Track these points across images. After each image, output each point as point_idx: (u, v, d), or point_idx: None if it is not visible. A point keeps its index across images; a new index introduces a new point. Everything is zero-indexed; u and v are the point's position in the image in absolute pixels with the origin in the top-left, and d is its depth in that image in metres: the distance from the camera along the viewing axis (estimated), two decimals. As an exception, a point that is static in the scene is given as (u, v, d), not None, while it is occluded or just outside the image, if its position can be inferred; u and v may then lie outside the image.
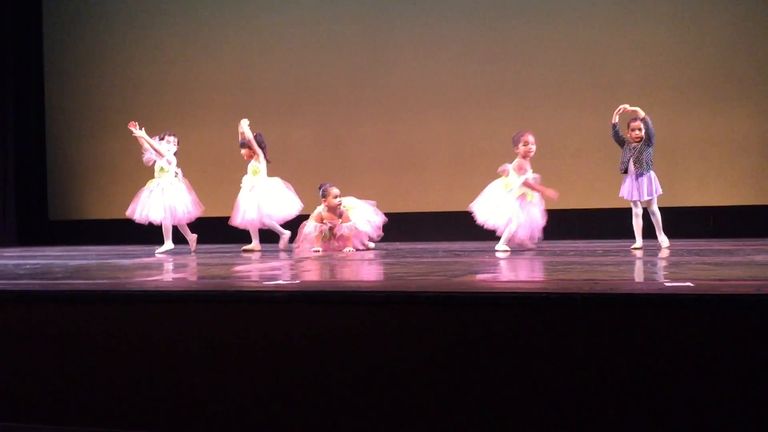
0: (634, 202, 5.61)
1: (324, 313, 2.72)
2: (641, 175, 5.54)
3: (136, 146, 6.66)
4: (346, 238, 6.02)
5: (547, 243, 6.51)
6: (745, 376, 2.27)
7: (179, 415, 2.77)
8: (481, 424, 2.48)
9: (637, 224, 5.61)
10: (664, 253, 5.07)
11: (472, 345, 2.52)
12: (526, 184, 5.62)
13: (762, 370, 2.25)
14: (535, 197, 5.66)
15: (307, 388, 2.65)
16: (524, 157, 5.69)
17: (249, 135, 6.40)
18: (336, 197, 6.06)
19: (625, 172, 5.63)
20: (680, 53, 7.37)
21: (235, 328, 2.78)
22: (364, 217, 6.19)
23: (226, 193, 6.94)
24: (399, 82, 8.01)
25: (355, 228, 6.06)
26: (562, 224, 7.42)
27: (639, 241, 5.55)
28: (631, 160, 5.56)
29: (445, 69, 7.89)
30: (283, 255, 5.85)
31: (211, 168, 7.91)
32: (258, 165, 6.45)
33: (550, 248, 5.82)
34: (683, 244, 5.87)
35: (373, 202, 6.40)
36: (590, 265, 4.05)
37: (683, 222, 6.94)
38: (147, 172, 6.60)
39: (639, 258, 4.63)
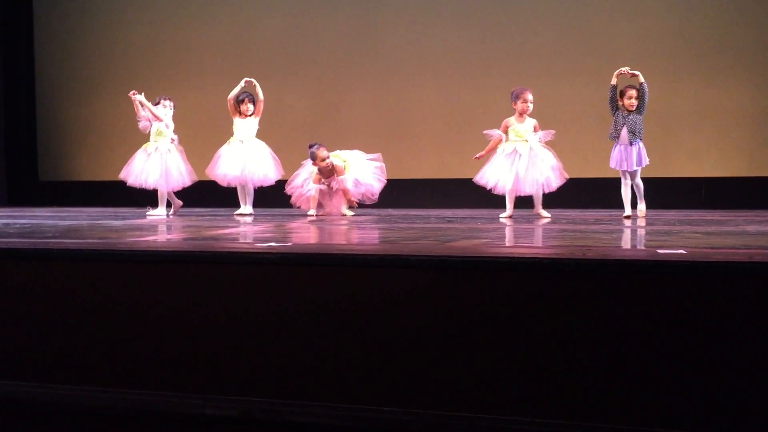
0: (623, 172, 5.60)
1: (315, 275, 2.71)
2: (632, 144, 5.52)
3: (127, 108, 6.57)
4: (345, 191, 6.00)
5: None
6: (737, 343, 2.28)
7: (167, 374, 2.78)
8: (472, 388, 2.50)
9: (627, 194, 5.61)
10: (654, 222, 5.10)
11: (465, 309, 2.53)
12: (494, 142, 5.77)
13: (754, 338, 2.27)
14: (537, 151, 5.70)
15: (297, 350, 2.66)
16: (521, 114, 5.70)
17: (261, 95, 6.36)
18: (324, 159, 6.02)
19: (617, 137, 5.58)
20: (676, 23, 7.31)
21: (226, 290, 2.78)
22: (359, 173, 6.16)
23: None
24: (393, 48, 7.93)
25: (345, 183, 6.04)
26: (554, 193, 7.43)
27: (628, 210, 5.57)
28: (625, 129, 5.53)
29: (440, 35, 7.81)
30: (273, 218, 5.84)
31: (202, 131, 7.83)
32: (255, 124, 6.42)
33: (543, 216, 5.82)
34: (675, 214, 5.89)
35: (379, 157, 6.34)
36: (582, 232, 4.06)
37: (675, 192, 6.96)
38: (139, 134, 6.53)
39: (631, 226, 4.64)
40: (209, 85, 8.12)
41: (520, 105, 5.71)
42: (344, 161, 6.13)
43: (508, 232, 4.29)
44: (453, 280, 2.57)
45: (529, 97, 5.72)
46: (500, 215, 5.70)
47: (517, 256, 2.72)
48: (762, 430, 2.23)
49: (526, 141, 5.70)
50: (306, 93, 8.13)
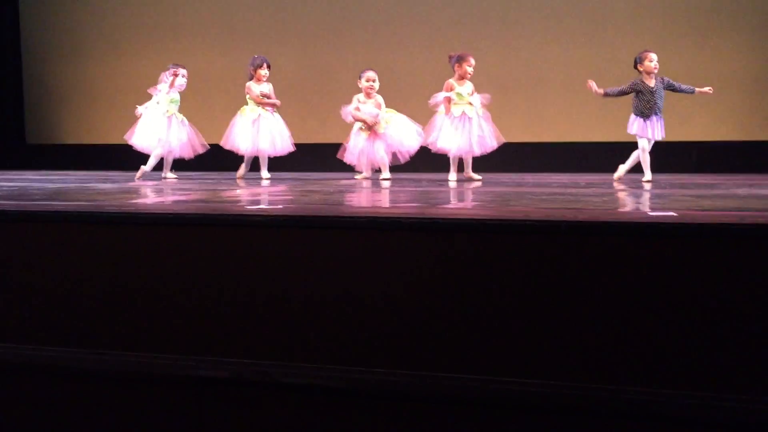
0: (645, 139, 5.56)
1: (306, 238, 2.70)
2: (658, 116, 5.53)
3: (116, 69, 6.49)
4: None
5: (530, 175, 6.52)
6: (727, 303, 2.30)
7: (160, 336, 2.78)
8: (462, 349, 2.51)
9: (647, 158, 5.58)
10: (645, 185, 5.12)
11: (455, 270, 2.53)
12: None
13: (743, 298, 2.28)
14: (478, 112, 5.76)
15: (289, 312, 2.66)
16: (461, 77, 5.81)
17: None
18: (368, 80, 6.08)
19: (642, 115, 5.52)
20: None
21: (218, 252, 2.77)
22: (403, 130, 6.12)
23: (209, 120, 6.85)
24: (384, 9, 7.84)
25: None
26: (546, 157, 7.42)
27: (648, 174, 5.54)
28: (656, 104, 5.49)
29: (432, -4, 7.73)
30: (266, 182, 5.83)
31: (194, 95, 7.74)
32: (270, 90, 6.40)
33: (534, 180, 5.83)
34: (666, 177, 5.90)
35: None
36: (574, 195, 4.06)
37: (666, 156, 6.95)
38: (128, 96, 6.45)
39: (622, 190, 4.65)
40: (198, 47, 8.02)
41: (464, 68, 5.77)
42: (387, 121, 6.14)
43: (500, 195, 4.28)
44: (443, 242, 2.56)
45: (472, 62, 5.80)
46: (451, 179, 5.76)
47: (508, 218, 2.72)
48: (751, 387, 2.26)
49: (471, 104, 5.75)
50: (295, 56, 8.03)
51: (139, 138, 6.17)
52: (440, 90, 5.91)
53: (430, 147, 5.87)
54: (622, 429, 2.35)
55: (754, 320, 2.27)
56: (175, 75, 6.16)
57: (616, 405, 2.34)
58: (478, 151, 5.78)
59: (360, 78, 6.13)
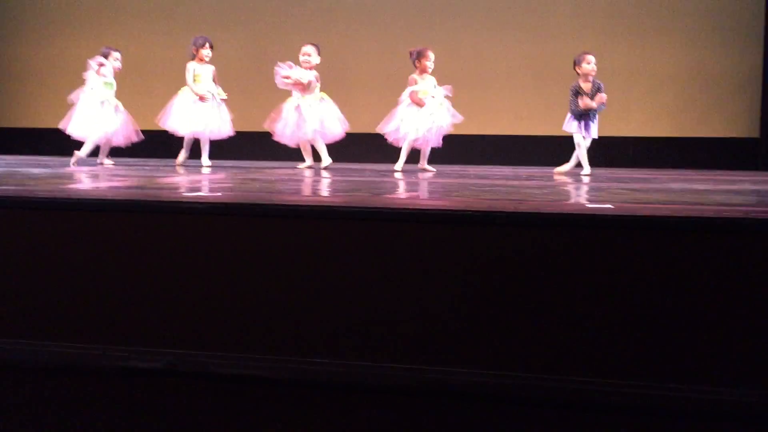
0: (584, 136, 5.72)
1: (242, 226, 2.65)
2: (591, 118, 5.68)
3: (49, 51, 6.26)
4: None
5: (472, 167, 6.58)
6: (661, 293, 2.34)
7: (88, 326, 2.69)
8: (399, 340, 2.50)
9: (585, 153, 5.71)
10: (584, 179, 5.22)
11: (396, 261, 2.52)
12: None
13: (677, 288, 2.33)
14: (440, 104, 5.83)
15: (223, 302, 2.61)
16: (422, 72, 5.89)
17: None
18: (303, 54, 6.05)
19: (578, 118, 5.68)
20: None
21: (148, 240, 2.69)
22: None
23: (148, 106, 6.68)
24: (329, -3, 7.79)
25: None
26: (489, 150, 7.49)
27: (587, 168, 5.69)
28: (591, 109, 5.65)
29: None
30: (206, 170, 5.73)
31: (132, 79, 7.55)
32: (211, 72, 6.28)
33: (475, 172, 5.87)
34: (603, 171, 6.02)
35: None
36: (515, 188, 4.09)
37: (604, 151, 7.11)
38: (62, 80, 6.25)
39: (562, 183, 4.72)
40: (138, 29, 7.81)
41: (424, 63, 5.84)
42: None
43: (441, 186, 4.29)
44: (384, 232, 2.55)
45: (431, 56, 5.86)
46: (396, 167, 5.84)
47: (450, 208, 2.72)
48: (691, 376, 2.31)
49: (433, 97, 5.81)
50: (239, 43, 7.91)
51: (75, 126, 5.99)
52: (391, 81, 5.98)
53: (387, 137, 5.91)
54: (566, 419, 2.38)
55: (688, 309, 2.32)
56: (101, 65, 5.99)
57: (558, 395, 2.37)
58: (435, 143, 5.85)
59: None
